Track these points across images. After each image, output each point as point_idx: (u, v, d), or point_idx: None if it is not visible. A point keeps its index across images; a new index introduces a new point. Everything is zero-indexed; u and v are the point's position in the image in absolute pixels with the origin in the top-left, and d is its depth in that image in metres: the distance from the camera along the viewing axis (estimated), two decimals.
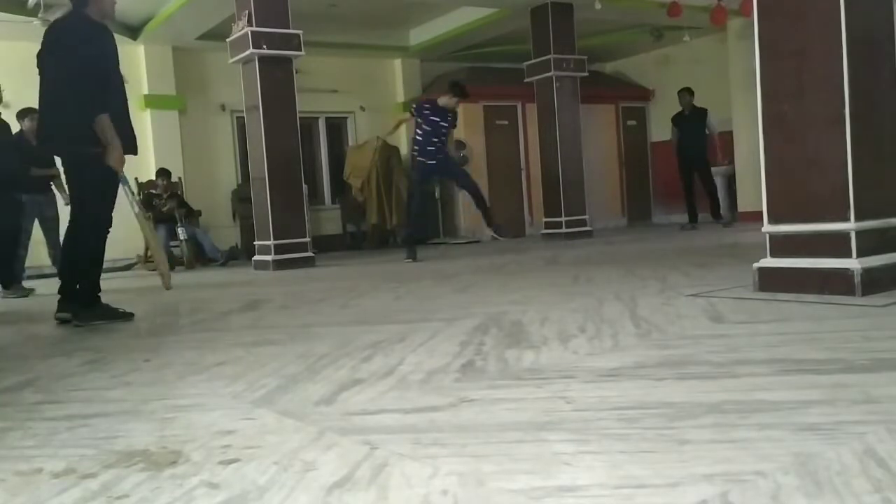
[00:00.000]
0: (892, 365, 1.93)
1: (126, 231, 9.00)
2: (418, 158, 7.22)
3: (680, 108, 9.47)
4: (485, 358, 2.32)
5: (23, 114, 6.92)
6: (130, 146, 3.91)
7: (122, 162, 3.79)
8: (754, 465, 1.26)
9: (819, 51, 3.14)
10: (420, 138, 7.17)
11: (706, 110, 9.37)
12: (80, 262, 3.88)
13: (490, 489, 1.24)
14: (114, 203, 3.91)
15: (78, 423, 1.87)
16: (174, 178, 9.03)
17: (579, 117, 9.37)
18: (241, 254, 9.22)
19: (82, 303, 3.85)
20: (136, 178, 8.98)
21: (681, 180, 9.52)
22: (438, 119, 7.17)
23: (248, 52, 7.10)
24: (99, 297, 3.92)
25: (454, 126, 7.40)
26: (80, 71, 3.67)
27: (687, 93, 9.37)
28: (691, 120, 9.31)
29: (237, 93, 7.77)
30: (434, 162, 7.21)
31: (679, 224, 9.90)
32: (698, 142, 9.24)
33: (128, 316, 3.92)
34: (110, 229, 3.94)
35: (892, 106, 3.28)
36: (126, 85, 4.03)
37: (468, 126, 10.51)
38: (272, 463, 1.45)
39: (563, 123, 9.16)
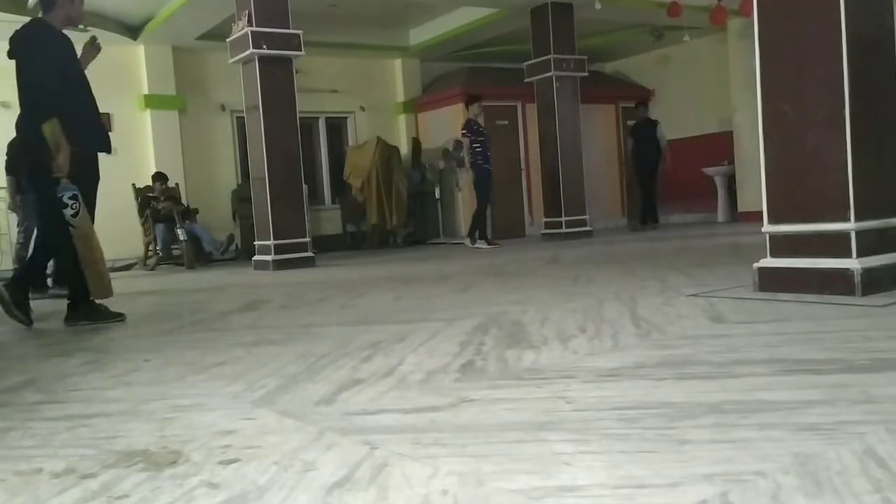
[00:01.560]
0: (892, 365, 1.93)
1: (126, 232, 9.04)
2: (485, 167, 8.71)
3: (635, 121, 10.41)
4: (485, 358, 2.32)
5: None
6: (104, 144, 4.00)
7: (66, 169, 3.72)
8: (754, 465, 1.26)
9: (819, 51, 3.14)
10: (479, 149, 8.65)
11: (657, 122, 10.26)
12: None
13: (490, 489, 1.24)
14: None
15: (78, 423, 1.87)
16: (171, 183, 9.03)
17: (579, 117, 9.38)
18: (239, 253, 9.22)
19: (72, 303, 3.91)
20: (133, 184, 8.98)
21: (639, 185, 10.40)
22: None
23: (248, 52, 7.11)
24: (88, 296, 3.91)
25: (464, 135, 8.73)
26: (30, 80, 3.76)
27: (643, 106, 10.45)
28: (645, 130, 10.17)
29: (237, 93, 7.77)
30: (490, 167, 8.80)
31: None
32: (653, 151, 10.10)
33: (119, 316, 3.93)
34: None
35: (892, 106, 3.28)
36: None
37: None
38: (272, 463, 1.45)
39: (563, 123, 9.17)
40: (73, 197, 3.76)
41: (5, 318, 3.90)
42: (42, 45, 3.78)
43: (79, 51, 4.01)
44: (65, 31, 3.93)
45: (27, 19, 7.89)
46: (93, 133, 3.93)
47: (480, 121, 8.84)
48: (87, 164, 3.87)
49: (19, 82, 3.83)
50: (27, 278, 4.00)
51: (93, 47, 4.10)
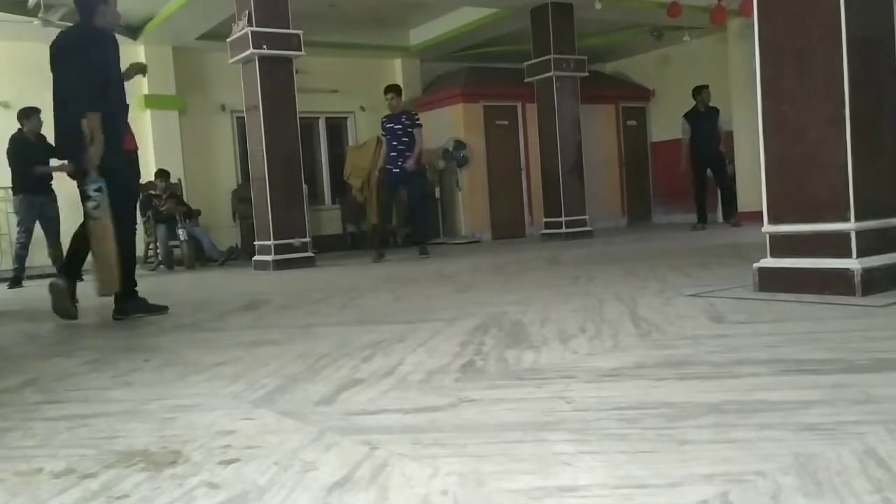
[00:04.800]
0: (892, 365, 1.93)
1: None
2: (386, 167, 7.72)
3: (692, 106, 9.26)
4: (485, 358, 2.32)
5: (23, 113, 6.95)
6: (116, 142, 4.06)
7: (96, 162, 3.84)
8: (754, 465, 1.26)
9: (819, 51, 3.14)
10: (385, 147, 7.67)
11: (718, 110, 9.28)
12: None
13: (490, 489, 1.24)
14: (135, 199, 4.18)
15: (78, 423, 1.87)
16: (173, 180, 9.04)
17: (579, 117, 9.37)
18: (240, 254, 9.22)
19: (123, 296, 4.06)
20: None
21: (693, 179, 9.36)
22: (392, 125, 7.63)
23: (248, 52, 7.11)
24: (135, 290, 4.11)
25: (413, 127, 7.63)
26: (76, 75, 3.83)
27: (705, 90, 9.21)
28: (706, 118, 9.16)
29: (237, 93, 7.77)
30: (397, 170, 7.60)
31: (689, 224, 9.68)
32: (711, 140, 9.13)
33: (162, 309, 4.15)
34: (136, 227, 4.21)
35: (892, 106, 3.28)
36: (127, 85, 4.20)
37: (468, 126, 10.51)
38: (272, 463, 1.45)
39: (563, 123, 9.17)
40: (98, 190, 3.89)
41: (5, 318, 3.90)
42: (87, 47, 3.88)
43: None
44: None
45: (27, 19, 7.93)
46: (123, 133, 4.02)
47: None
48: (130, 160, 4.03)
49: (60, 85, 3.93)
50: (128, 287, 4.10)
51: (139, 70, 4.31)
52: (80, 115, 3.79)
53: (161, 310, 4.14)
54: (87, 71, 3.82)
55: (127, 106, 4.10)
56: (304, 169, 7.68)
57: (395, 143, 7.60)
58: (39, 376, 2.54)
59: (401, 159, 7.55)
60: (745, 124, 9.57)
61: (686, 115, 9.32)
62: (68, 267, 4.06)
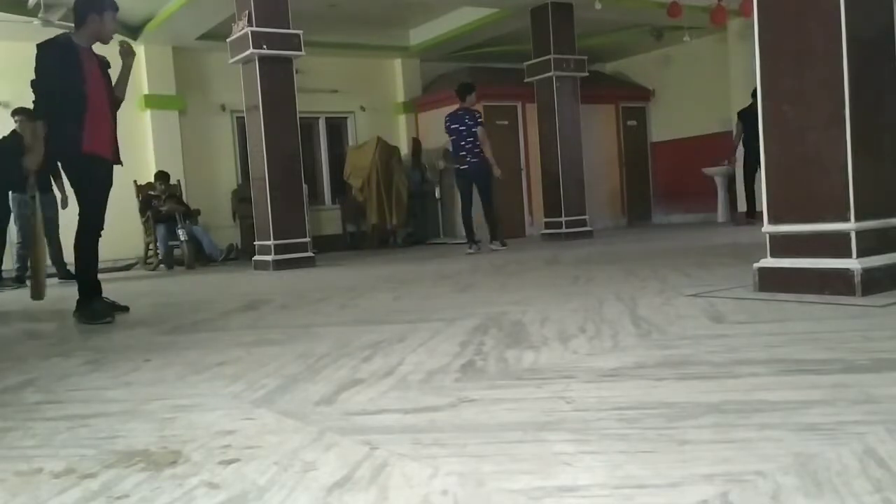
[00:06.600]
0: (892, 365, 1.93)
1: (126, 232, 9.03)
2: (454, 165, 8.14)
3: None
4: (485, 358, 2.32)
5: (15, 112, 6.96)
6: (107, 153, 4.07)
7: (34, 167, 3.89)
8: (754, 465, 1.26)
9: (819, 51, 3.14)
10: (451, 146, 8.05)
11: None
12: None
13: (490, 489, 1.24)
14: (98, 203, 4.02)
15: (78, 423, 1.87)
16: (173, 181, 9.03)
17: (579, 117, 9.38)
18: (240, 253, 9.23)
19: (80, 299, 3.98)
20: (134, 181, 8.98)
21: (745, 174, 9.47)
22: (457, 125, 7.83)
23: (248, 52, 7.11)
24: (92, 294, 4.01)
25: (477, 125, 7.74)
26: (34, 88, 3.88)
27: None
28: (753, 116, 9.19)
29: (237, 93, 7.77)
30: (465, 167, 7.87)
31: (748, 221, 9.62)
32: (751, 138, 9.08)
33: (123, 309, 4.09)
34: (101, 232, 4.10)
35: (892, 106, 3.28)
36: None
37: None
38: (272, 463, 1.45)
39: (563, 123, 9.17)
40: (32, 198, 4.08)
41: (5, 318, 3.90)
42: (45, 57, 3.87)
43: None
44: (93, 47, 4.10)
45: (27, 19, 7.94)
46: (74, 140, 3.89)
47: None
48: (89, 168, 3.94)
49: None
50: (84, 286, 4.01)
51: (126, 54, 4.22)
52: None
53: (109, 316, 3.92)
54: (35, 81, 3.85)
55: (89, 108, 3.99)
56: (304, 169, 7.68)
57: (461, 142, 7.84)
58: (39, 376, 2.54)
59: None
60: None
61: (738, 113, 9.39)
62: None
